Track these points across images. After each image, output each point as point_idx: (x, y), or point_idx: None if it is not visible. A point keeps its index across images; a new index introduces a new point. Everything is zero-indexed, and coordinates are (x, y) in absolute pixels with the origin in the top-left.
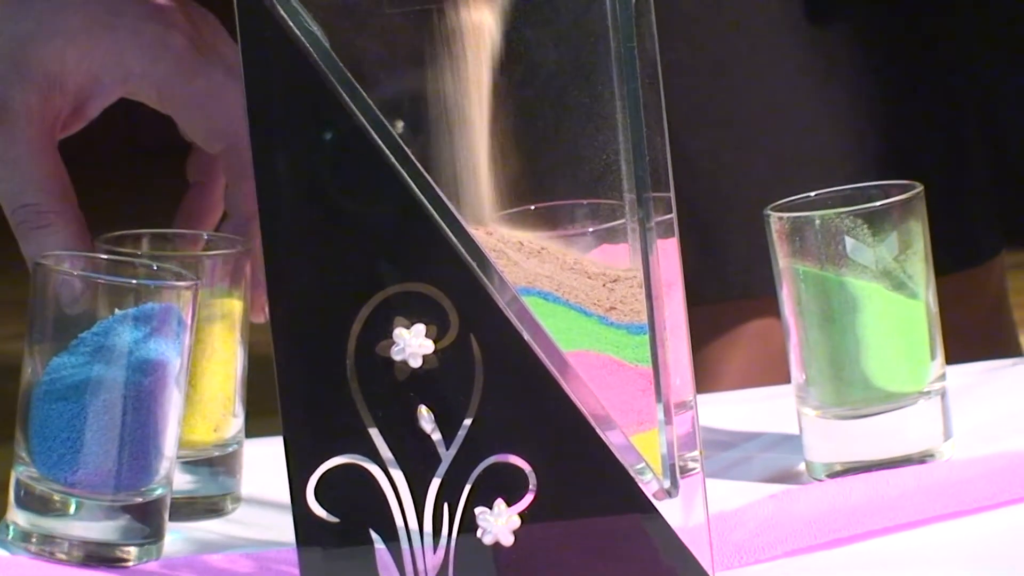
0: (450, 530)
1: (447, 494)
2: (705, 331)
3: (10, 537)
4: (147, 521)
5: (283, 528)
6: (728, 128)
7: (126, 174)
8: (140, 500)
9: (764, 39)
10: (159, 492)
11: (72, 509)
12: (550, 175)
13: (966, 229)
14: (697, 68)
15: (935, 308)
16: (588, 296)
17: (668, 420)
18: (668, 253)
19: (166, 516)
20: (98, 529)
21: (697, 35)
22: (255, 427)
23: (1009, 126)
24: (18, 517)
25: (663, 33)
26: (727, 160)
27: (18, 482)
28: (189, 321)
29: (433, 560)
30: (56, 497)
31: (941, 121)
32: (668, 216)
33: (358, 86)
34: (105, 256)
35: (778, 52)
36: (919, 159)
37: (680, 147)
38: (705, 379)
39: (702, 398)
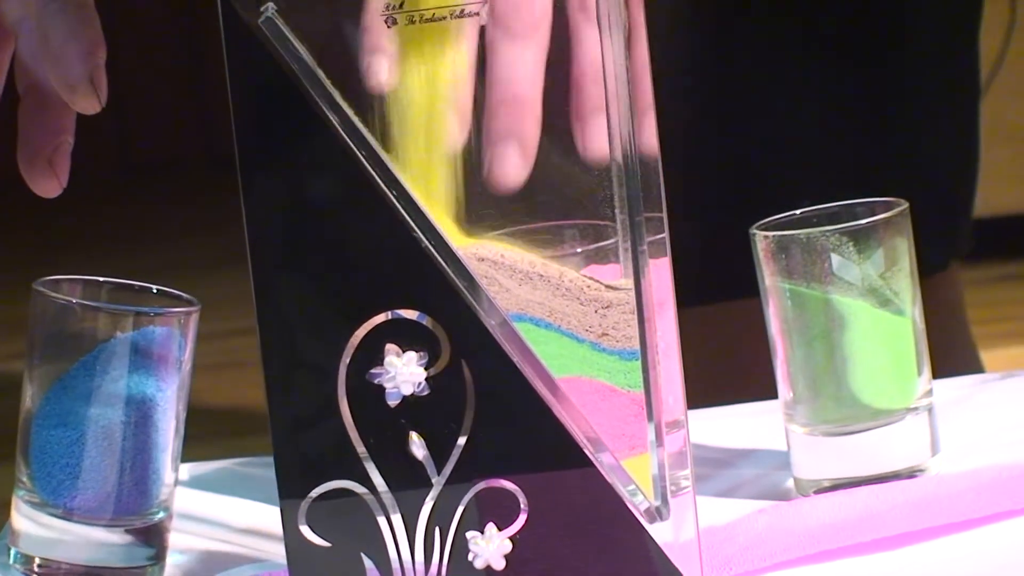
0: (441, 554)
1: (438, 519)
2: (738, 329)
3: (12, 561)
4: (149, 544)
5: (280, 552)
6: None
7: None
8: (141, 524)
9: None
10: (160, 516)
11: (73, 533)
12: (539, 194)
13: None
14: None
15: (921, 324)
16: (580, 322)
17: (660, 443)
18: (660, 274)
19: (168, 539)
20: (99, 552)
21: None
22: (250, 448)
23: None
24: (19, 541)
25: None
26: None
27: (19, 506)
28: (189, 345)
29: None
30: (57, 521)
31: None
32: (660, 236)
33: (347, 110)
34: (103, 280)
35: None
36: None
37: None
38: (738, 379)
39: (692, 415)
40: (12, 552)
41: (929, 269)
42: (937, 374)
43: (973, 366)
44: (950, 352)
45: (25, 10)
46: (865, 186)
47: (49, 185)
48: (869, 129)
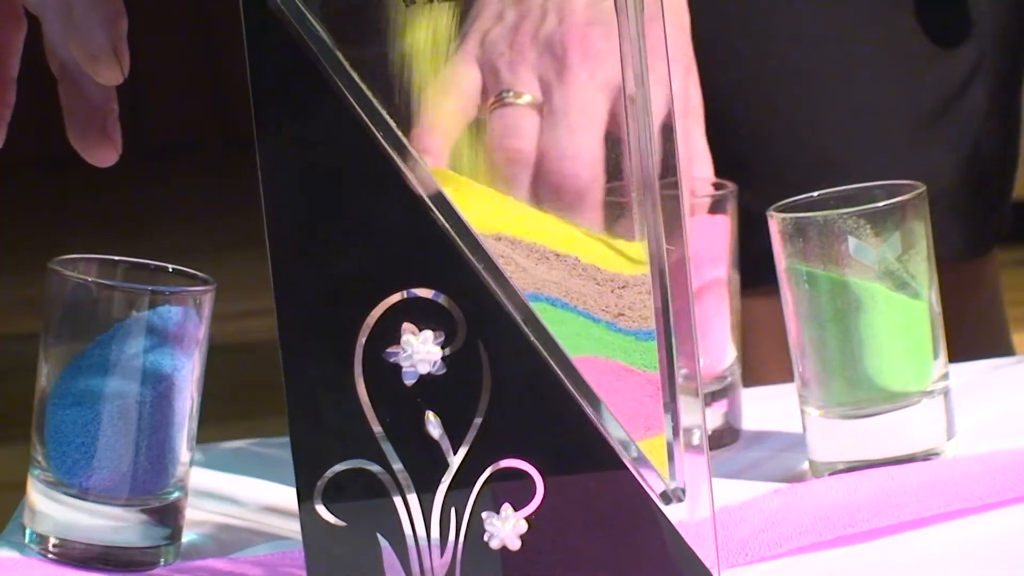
0: (457, 534)
1: (454, 499)
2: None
3: (27, 541)
4: (164, 523)
5: (295, 531)
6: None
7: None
8: (156, 503)
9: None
10: (175, 495)
11: (88, 513)
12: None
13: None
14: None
15: (938, 308)
16: (596, 302)
17: (675, 425)
18: (677, 255)
19: (183, 518)
20: (114, 532)
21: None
22: (264, 428)
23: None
24: (35, 520)
25: None
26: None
27: (34, 485)
28: (205, 324)
29: (440, 564)
30: (72, 501)
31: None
32: (678, 215)
33: (366, 91)
34: (119, 259)
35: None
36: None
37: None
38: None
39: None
40: (28, 532)
41: (973, 252)
42: (974, 355)
43: (1007, 349)
44: (987, 335)
45: None
46: (916, 171)
47: (106, 153)
48: (922, 115)
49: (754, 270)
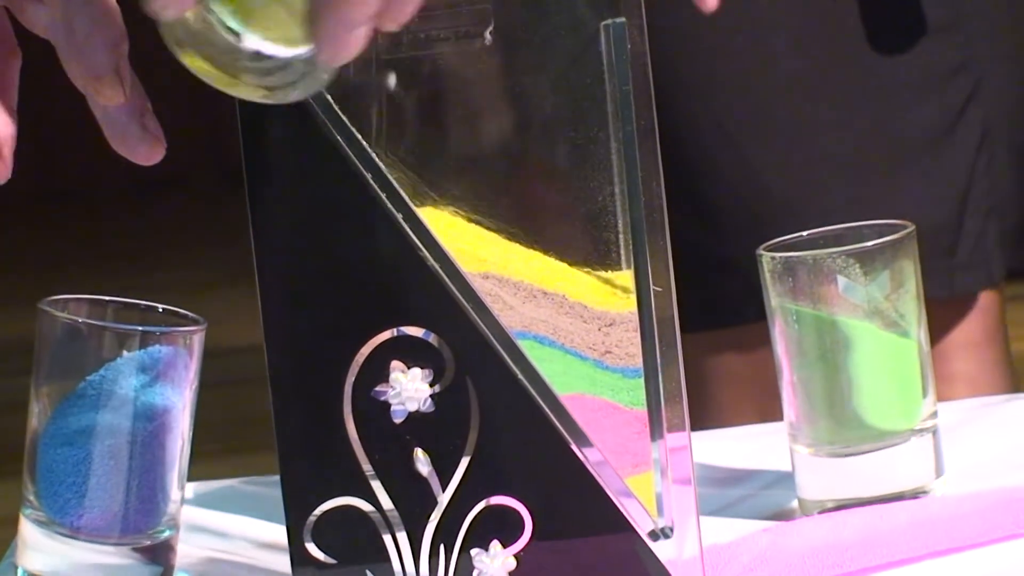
0: (446, 571)
1: (443, 536)
2: (697, 360)
3: None
4: (156, 562)
5: (285, 568)
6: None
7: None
8: (148, 542)
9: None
10: (167, 534)
11: (80, 551)
12: (545, 215)
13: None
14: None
15: (927, 346)
16: (584, 340)
17: (663, 462)
18: (663, 295)
19: (175, 556)
20: (107, 571)
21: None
22: (255, 464)
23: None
24: (27, 559)
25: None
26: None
27: (26, 524)
28: (195, 363)
29: None
30: (64, 540)
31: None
32: (664, 258)
33: (354, 131)
34: (109, 299)
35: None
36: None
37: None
38: (698, 406)
39: (696, 436)
40: (19, 571)
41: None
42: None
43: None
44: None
45: (51, 12)
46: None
47: (152, 150)
48: (904, 154)
49: (723, 313)
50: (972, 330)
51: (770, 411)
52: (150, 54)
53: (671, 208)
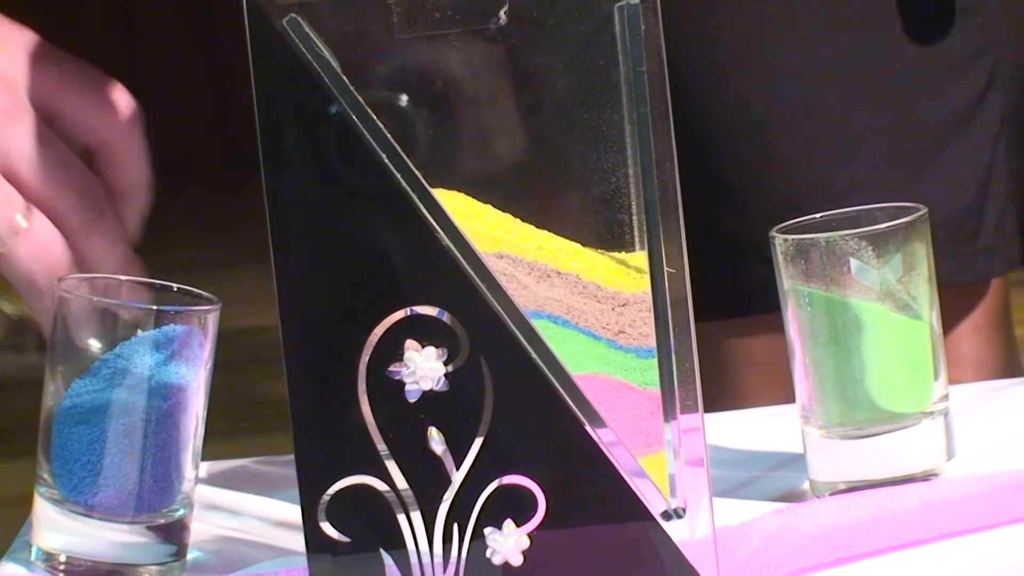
0: (460, 550)
1: (457, 514)
2: (723, 345)
3: (33, 558)
4: (170, 541)
5: (300, 547)
6: (758, 135)
7: None
8: (162, 521)
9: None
10: (181, 512)
11: (94, 530)
12: (560, 196)
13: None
14: (729, 81)
15: (939, 329)
16: (597, 320)
17: (676, 443)
18: (677, 276)
19: (188, 536)
20: (121, 549)
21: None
22: (269, 444)
23: None
24: (41, 538)
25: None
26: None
27: (41, 503)
28: (209, 342)
29: None
30: (78, 519)
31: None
32: (677, 240)
33: (369, 111)
34: (124, 278)
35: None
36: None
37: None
38: (723, 392)
39: (709, 417)
40: (34, 549)
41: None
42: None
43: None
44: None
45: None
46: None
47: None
48: (924, 144)
49: (746, 299)
50: (980, 313)
51: (793, 397)
52: (155, 37)
53: (698, 194)
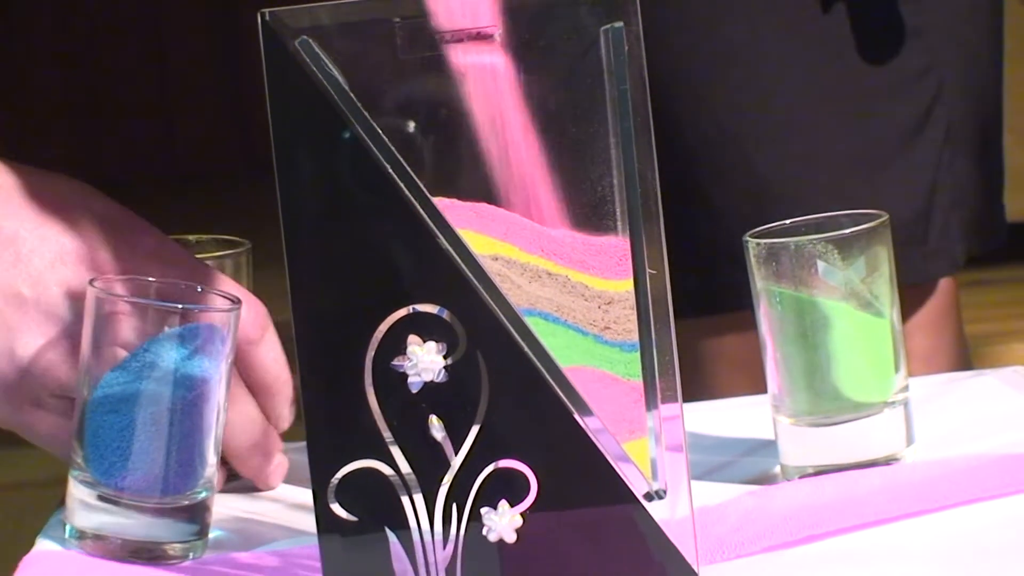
0: (458, 528)
1: (455, 496)
2: (699, 341)
3: (67, 535)
4: (193, 520)
5: (311, 526)
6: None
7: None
8: (186, 502)
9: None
10: (203, 495)
11: (124, 511)
12: (549, 203)
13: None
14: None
15: (899, 326)
16: (585, 317)
17: (657, 430)
18: (658, 277)
19: (210, 516)
20: (148, 528)
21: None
22: (284, 433)
23: None
24: (74, 517)
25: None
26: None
27: (74, 485)
28: (231, 339)
29: (443, 555)
30: (109, 500)
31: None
32: (658, 243)
33: (375, 125)
34: (152, 280)
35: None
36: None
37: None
38: (699, 386)
39: (688, 407)
40: (68, 527)
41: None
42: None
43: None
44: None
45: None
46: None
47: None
48: (880, 150)
49: (721, 298)
50: (929, 311)
51: (763, 389)
52: (176, 50)
53: (678, 202)
